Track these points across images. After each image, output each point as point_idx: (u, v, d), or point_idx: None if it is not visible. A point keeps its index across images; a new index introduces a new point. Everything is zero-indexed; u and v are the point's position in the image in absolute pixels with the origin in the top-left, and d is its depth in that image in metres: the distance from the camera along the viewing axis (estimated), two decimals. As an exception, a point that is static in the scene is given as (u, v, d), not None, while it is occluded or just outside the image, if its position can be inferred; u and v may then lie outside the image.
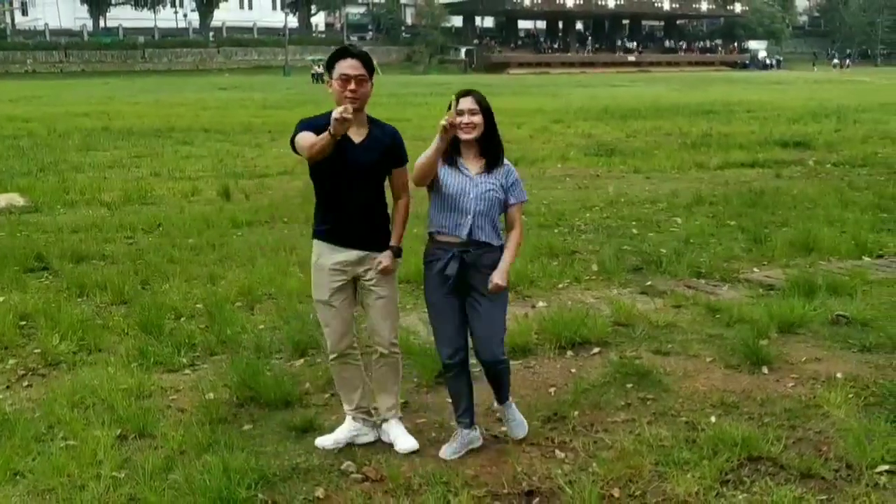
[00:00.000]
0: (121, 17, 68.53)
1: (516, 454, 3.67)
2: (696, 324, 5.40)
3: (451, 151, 3.50)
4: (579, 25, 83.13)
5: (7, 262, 7.04)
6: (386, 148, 3.62)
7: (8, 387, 4.59)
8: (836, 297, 5.80)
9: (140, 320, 5.43)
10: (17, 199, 10.41)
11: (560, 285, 6.36)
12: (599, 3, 76.52)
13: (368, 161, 3.58)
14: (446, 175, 3.52)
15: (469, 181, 3.51)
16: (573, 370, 4.66)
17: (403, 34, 77.14)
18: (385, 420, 3.85)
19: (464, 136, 3.49)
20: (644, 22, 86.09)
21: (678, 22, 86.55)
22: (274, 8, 77.92)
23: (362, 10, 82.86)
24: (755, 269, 6.78)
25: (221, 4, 70.82)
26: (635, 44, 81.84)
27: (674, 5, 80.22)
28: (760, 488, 3.29)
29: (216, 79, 51.42)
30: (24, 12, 77.00)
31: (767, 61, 79.76)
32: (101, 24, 69.45)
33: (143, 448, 3.76)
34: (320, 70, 48.10)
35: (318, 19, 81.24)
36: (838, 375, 4.40)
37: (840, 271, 6.52)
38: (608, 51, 79.38)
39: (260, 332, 5.35)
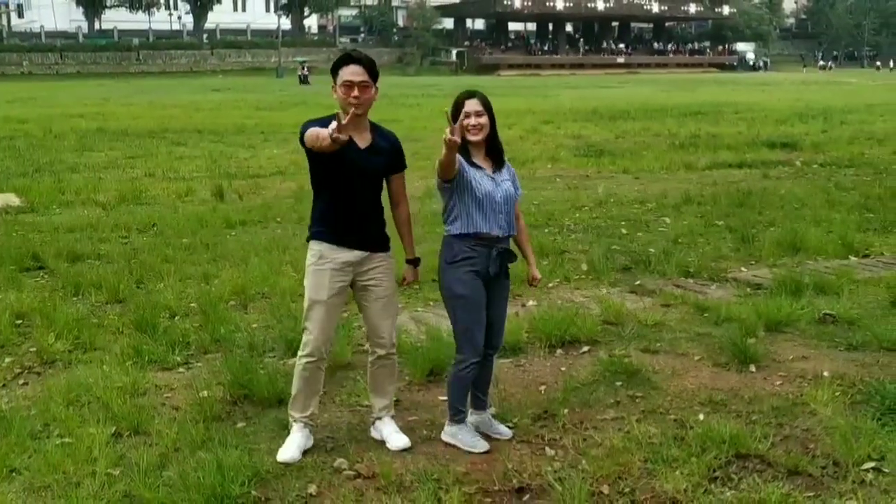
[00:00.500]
0: (116, 19, 68.80)
1: (507, 451, 3.68)
2: (684, 322, 5.44)
3: (464, 153, 3.54)
4: (569, 27, 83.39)
5: (3, 262, 7.05)
6: (388, 153, 3.66)
7: (4, 385, 4.59)
8: (822, 296, 5.85)
9: (135, 319, 5.45)
10: (13, 200, 10.44)
11: (550, 284, 6.38)
12: (589, 5, 76.74)
13: (373, 166, 3.61)
14: (474, 174, 3.57)
15: (491, 180, 3.60)
16: (563, 368, 4.69)
17: (395, 36, 77.36)
18: (378, 418, 3.85)
19: (472, 138, 3.53)
20: (633, 24, 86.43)
21: (667, 24, 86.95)
22: (267, 10, 78.14)
23: (354, 12, 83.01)
24: (743, 269, 6.83)
25: (215, 7, 71.09)
26: (624, 45, 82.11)
27: (662, 8, 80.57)
28: (748, 485, 3.31)
29: (210, 80, 51.41)
30: (21, 14, 77.51)
31: (756, 63, 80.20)
32: (97, 26, 69.78)
33: (137, 445, 3.76)
34: (306, 72, 48.06)
35: (311, 21, 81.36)
36: (825, 374, 4.43)
37: (827, 271, 6.57)
38: (597, 52, 79.63)
39: (253, 330, 5.36)
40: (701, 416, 3.94)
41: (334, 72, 3.55)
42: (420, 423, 3.99)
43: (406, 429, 3.86)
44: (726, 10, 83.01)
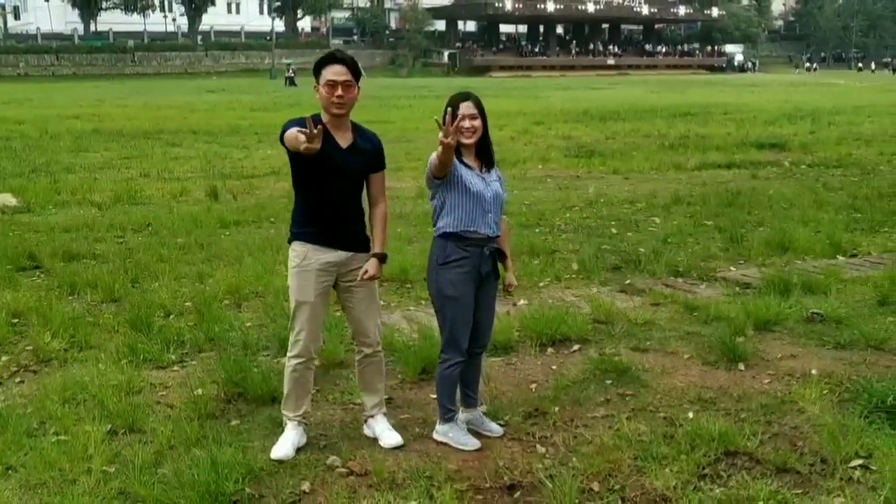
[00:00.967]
0: (111, 21, 69.00)
1: (498, 449, 3.70)
2: (674, 321, 5.47)
3: (455, 153, 3.54)
4: (560, 29, 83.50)
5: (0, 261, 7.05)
6: (369, 153, 3.67)
7: (0, 383, 4.60)
8: (810, 295, 5.89)
9: (130, 318, 5.47)
10: (10, 200, 10.46)
11: (541, 284, 6.41)
12: (579, 7, 76.91)
13: (355, 166, 3.63)
14: (466, 174, 3.59)
15: (481, 179, 3.63)
16: (554, 367, 4.71)
17: (388, 38, 77.40)
18: (371, 416, 3.86)
19: (466, 141, 3.56)
20: (623, 26, 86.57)
21: (656, 26, 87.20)
22: (261, 12, 78.39)
23: (347, 14, 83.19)
24: (732, 268, 6.87)
25: (210, 9, 71.37)
26: (614, 47, 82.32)
27: (652, 10, 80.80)
28: (737, 482, 3.33)
29: (204, 82, 51.43)
30: (17, 16, 77.91)
31: (745, 64, 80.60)
32: (92, 28, 70.02)
33: (132, 443, 3.78)
34: (292, 73, 48.04)
35: (304, 23, 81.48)
36: (813, 372, 4.46)
37: (815, 270, 6.62)
38: (588, 54, 79.77)
39: (247, 329, 5.38)
40: (690, 414, 3.97)
41: (317, 71, 3.56)
42: (412, 421, 4.01)
43: (398, 426, 3.88)
44: (715, 12, 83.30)
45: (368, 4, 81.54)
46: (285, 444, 3.66)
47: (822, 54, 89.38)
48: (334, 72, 3.51)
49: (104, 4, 68.80)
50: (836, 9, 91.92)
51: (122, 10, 68.87)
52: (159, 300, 5.91)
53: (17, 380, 4.66)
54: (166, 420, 4.00)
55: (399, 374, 4.59)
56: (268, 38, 69.03)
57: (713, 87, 44.37)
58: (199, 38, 70.57)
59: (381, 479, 3.42)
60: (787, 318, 5.37)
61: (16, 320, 5.59)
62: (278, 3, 74.12)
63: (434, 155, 3.47)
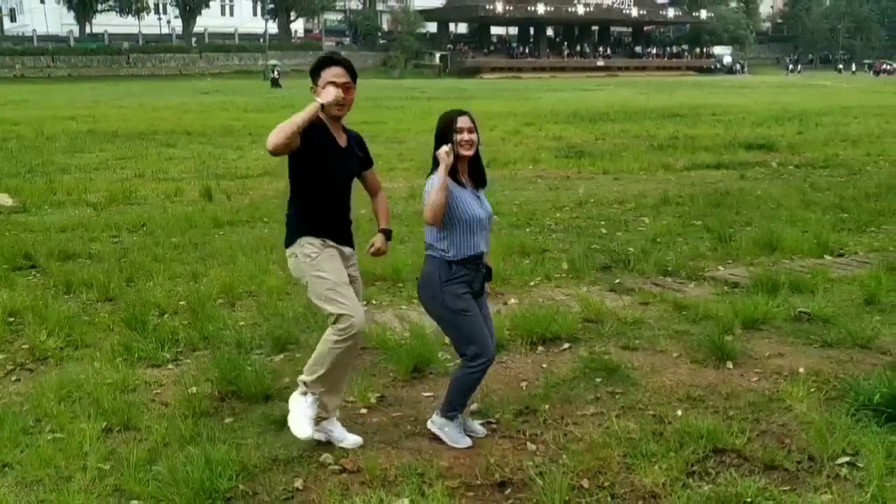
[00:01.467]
0: (106, 23, 69.13)
1: (489, 446, 3.72)
2: (663, 320, 5.50)
3: (451, 171, 3.59)
4: (550, 31, 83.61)
5: (-4, 261, 7.08)
6: (358, 153, 3.74)
7: (-3, 381, 4.61)
8: (798, 294, 5.93)
9: (125, 317, 5.50)
10: (6, 200, 10.48)
11: (531, 283, 6.44)
12: (569, 9, 77.01)
13: (353, 165, 3.72)
14: (462, 197, 3.62)
15: (476, 199, 3.68)
16: (544, 365, 4.73)
17: (380, 40, 77.52)
18: (329, 417, 3.76)
19: (465, 153, 3.60)
20: (613, 28, 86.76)
21: (646, 28, 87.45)
22: (255, 14, 78.58)
23: (340, 16, 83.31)
24: (720, 268, 6.91)
25: (204, 11, 71.47)
26: (604, 49, 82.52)
27: (641, 12, 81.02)
28: (725, 479, 3.35)
29: (198, 83, 51.43)
30: (13, 18, 78.16)
31: (735, 66, 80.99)
32: (88, 30, 70.15)
33: (127, 440, 3.81)
34: (276, 75, 48.03)
35: (297, 25, 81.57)
36: (800, 370, 4.50)
37: (802, 269, 6.66)
38: (578, 56, 79.95)
39: (241, 328, 5.39)
40: (679, 412, 4.00)
41: (315, 73, 3.60)
42: (404, 419, 4.02)
43: (391, 424, 3.90)
44: (704, 14, 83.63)
45: (361, 7, 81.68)
46: (303, 423, 3.56)
47: (810, 56, 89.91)
48: (334, 74, 3.55)
49: (99, 7, 69.07)
50: (823, 11, 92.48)
51: (116, 12, 69.09)
52: (154, 299, 5.94)
53: (14, 378, 4.68)
54: (161, 418, 4.03)
55: (391, 373, 4.61)
56: (261, 39, 69.28)
57: (702, 89, 44.56)
58: (194, 40, 70.77)
59: (374, 477, 3.44)
60: (774, 316, 5.41)
61: (12, 319, 5.61)
62: (271, 6, 74.40)
63: (433, 198, 3.47)
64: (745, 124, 21.24)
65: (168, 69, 65.91)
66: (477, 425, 3.89)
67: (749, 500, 3.19)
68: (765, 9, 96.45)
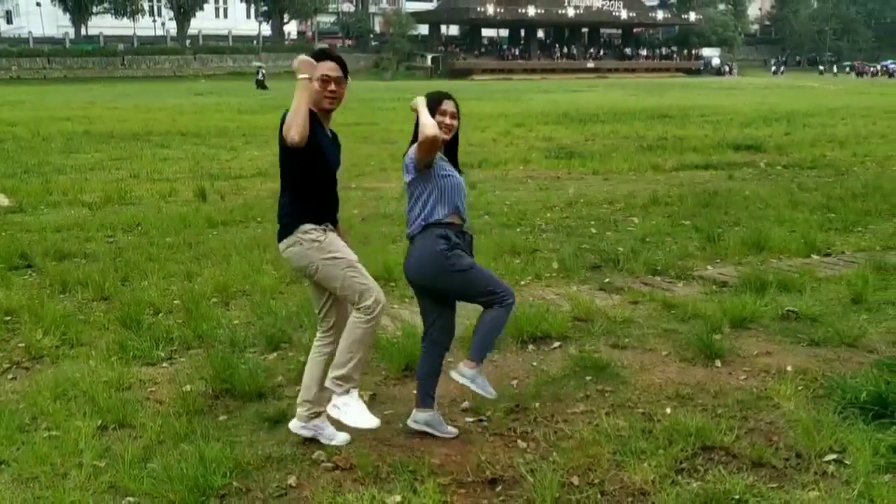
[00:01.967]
0: (101, 25, 69.18)
1: (480, 444, 3.74)
2: (652, 319, 5.53)
3: None
4: (540, 33, 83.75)
5: (-7, 260, 7.08)
6: (338, 147, 3.82)
7: (-7, 379, 4.61)
8: (786, 293, 5.97)
9: (120, 316, 5.51)
10: (3, 200, 10.52)
11: (522, 282, 6.46)
12: (559, 11, 77.16)
13: (338, 156, 3.78)
14: (445, 164, 3.71)
15: (455, 173, 3.75)
16: (534, 363, 4.76)
17: (372, 42, 77.63)
18: (318, 414, 3.74)
19: (443, 136, 3.63)
20: (602, 30, 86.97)
21: (635, 30, 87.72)
22: (248, 17, 78.75)
23: (332, 18, 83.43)
24: (709, 267, 6.95)
25: (198, 13, 71.61)
26: (594, 51, 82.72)
27: (631, 14, 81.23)
28: (714, 476, 3.38)
29: (193, 84, 51.39)
30: (9, 20, 78.45)
31: (723, 67, 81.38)
32: (83, 32, 70.30)
33: (122, 438, 3.82)
34: (261, 77, 48.03)
35: (291, 27, 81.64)
36: (788, 368, 4.53)
37: (790, 269, 6.71)
38: (568, 58, 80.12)
39: (235, 327, 5.41)
40: (668, 410, 4.02)
41: None
42: (396, 417, 4.03)
43: (383, 422, 3.88)
44: (693, 16, 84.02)
45: (353, 9, 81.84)
46: (365, 414, 3.55)
47: (797, 58, 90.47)
48: (328, 67, 3.58)
49: (95, 9, 69.21)
50: (811, 13, 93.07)
51: (112, 14, 69.26)
52: (149, 298, 5.95)
53: (10, 376, 4.69)
54: (155, 415, 4.04)
55: (383, 371, 4.63)
56: (255, 41, 69.34)
57: (691, 90, 44.74)
58: (188, 41, 71.00)
59: (366, 474, 3.45)
60: (762, 315, 5.44)
61: (8, 318, 5.63)
62: (265, 8, 74.60)
63: (420, 143, 3.54)
64: (734, 125, 21.34)
65: (162, 71, 66.19)
66: (450, 427, 3.86)
67: (737, 497, 3.21)
68: (753, 11, 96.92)
